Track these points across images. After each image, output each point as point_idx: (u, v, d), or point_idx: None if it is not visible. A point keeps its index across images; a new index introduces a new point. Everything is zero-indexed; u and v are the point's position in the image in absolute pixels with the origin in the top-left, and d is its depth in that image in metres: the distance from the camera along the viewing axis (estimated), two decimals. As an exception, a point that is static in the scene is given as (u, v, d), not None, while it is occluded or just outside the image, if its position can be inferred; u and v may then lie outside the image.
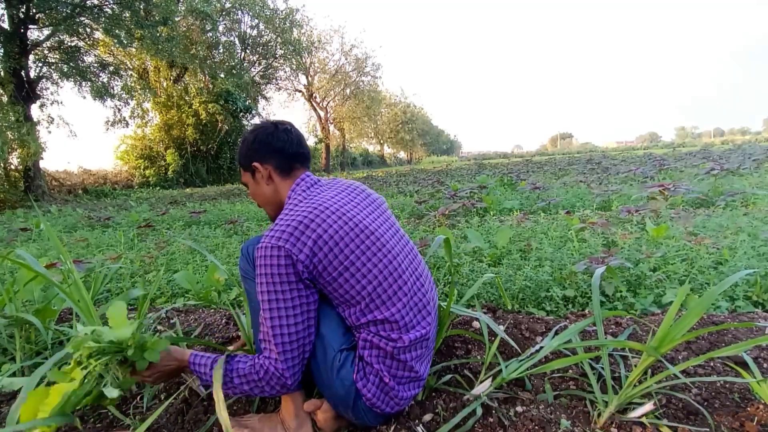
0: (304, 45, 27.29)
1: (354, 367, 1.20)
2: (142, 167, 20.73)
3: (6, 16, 13.06)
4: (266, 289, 1.13)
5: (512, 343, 1.50)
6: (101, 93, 17.18)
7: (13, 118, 12.66)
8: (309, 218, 1.15)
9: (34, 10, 13.33)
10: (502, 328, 1.56)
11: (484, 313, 1.85)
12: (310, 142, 32.87)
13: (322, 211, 1.18)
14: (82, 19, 14.52)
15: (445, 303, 1.49)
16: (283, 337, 1.13)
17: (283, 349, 1.13)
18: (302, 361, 1.17)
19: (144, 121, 21.80)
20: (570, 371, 1.46)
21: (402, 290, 1.21)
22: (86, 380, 1.01)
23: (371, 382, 1.19)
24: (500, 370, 1.42)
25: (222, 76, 23.10)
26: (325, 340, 1.21)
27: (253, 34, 25.23)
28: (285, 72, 29.65)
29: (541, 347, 1.45)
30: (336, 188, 1.31)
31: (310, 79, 33.99)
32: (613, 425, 1.20)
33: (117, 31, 14.89)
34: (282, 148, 1.33)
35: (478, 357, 1.58)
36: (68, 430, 1.35)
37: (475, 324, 1.77)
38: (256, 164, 1.33)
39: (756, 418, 1.20)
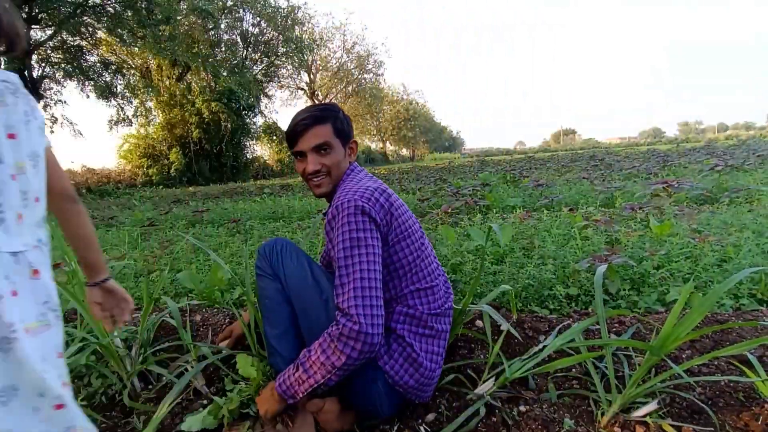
0: (305, 43, 27.21)
1: None
2: (145, 166, 20.79)
3: (9, 16, 13.09)
4: (350, 242, 1.17)
5: (518, 336, 1.50)
6: (104, 92, 17.24)
7: (17, 118, 12.67)
8: (380, 189, 1.27)
9: (36, 10, 13.37)
10: (505, 327, 1.56)
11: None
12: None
13: (386, 189, 1.29)
14: (85, 18, 14.55)
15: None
16: (362, 280, 1.15)
17: (361, 293, 1.14)
18: (381, 315, 1.17)
19: (147, 119, 21.87)
20: (573, 370, 1.46)
21: (437, 271, 1.36)
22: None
23: (399, 353, 1.24)
24: (503, 370, 1.42)
25: (224, 74, 23.08)
26: None
27: (254, 32, 25.21)
28: (287, 70, 29.61)
29: (545, 346, 1.45)
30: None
31: (312, 76, 33.97)
32: (617, 425, 1.20)
33: (119, 30, 14.93)
34: None
35: (482, 356, 1.58)
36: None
37: (478, 323, 1.77)
38: (355, 141, 1.42)
39: (761, 418, 1.20)
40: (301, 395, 1.18)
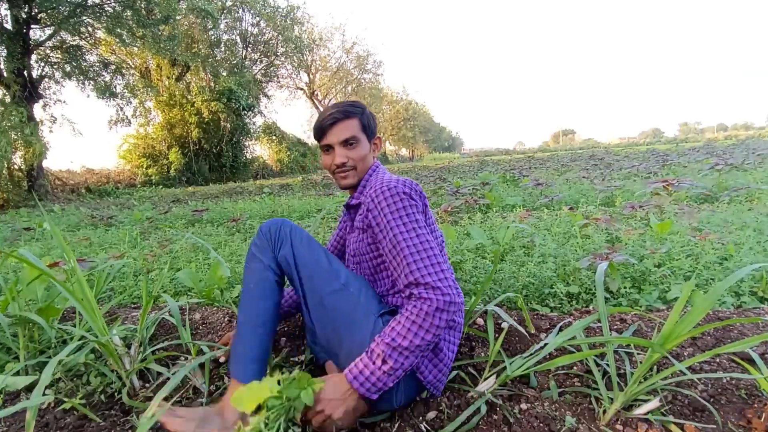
0: (305, 43, 27.22)
1: None
2: (144, 166, 20.75)
3: (9, 16, 13.09)
4: (410, 224, 1.21)
5: (523, 331, 1.50)
6: (104, 92, 17.24)
7: (16, 119, 12.68)
8: (413, 182, 1.31)
9: (36, 10, 13.35)
10: (506, 325, 1.55)
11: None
12: (312, 140, 32.96)
13: (416, 182, 1.32)
14: (84, 18, 14.53)
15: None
16: (436, 256, 1.17)
17: (439, 267, 1.15)
18: (452, 276, 1.18)
19: (146, 119, 21.84)
20: (575, 368, 1.45)
21: (450, 268, 1.33)
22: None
23: None
24: (504, 367, 1.41)
25: (224, 74, 23.08)
26: (365, 307, 1.26)
27: (254, 32, 25.21)
28: (287, 70, 29.64)
29: (546, 344, 1.45)
30: None
31: (311, 76, 33.99)
32: (619, 422, 1.19)
33: (119, 30, 14.90)
34: None
35: (482, 354, 1.57)
36: (79, 426, 1.35)
37: (479, 321, 1.76)
38: (379, 137, 1.50)
39: (763, 415, 1.19)
40: (390, 385, 1.12)
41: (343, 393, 1.11)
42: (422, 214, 1.28)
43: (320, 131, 1.41)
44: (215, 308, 2.09)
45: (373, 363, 1.10)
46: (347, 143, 1.39)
